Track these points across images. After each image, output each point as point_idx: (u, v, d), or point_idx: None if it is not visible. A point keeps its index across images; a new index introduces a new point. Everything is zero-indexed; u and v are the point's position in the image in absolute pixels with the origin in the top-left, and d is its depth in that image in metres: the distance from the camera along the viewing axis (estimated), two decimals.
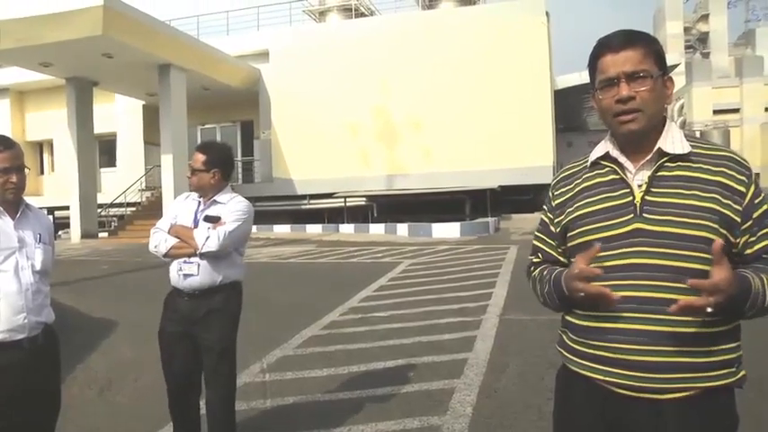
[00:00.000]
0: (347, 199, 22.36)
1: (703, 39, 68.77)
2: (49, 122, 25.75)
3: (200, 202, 3.51)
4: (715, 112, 53.61)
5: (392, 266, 11.60)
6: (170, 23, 20.56)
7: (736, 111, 53.61)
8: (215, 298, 3.40)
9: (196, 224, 3.41)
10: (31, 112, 27.82)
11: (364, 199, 22.55)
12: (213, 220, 3.40)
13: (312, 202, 23.45)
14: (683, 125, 54.50)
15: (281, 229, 21.27)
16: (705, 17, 67.20)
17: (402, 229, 18.64)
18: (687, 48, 68.36)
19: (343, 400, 4.56)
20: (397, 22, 23.03)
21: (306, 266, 12.74)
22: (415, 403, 4.40)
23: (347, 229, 20.45)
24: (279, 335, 6.55)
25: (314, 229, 20.94)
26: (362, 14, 27.44)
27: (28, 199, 2.83)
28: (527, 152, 20.24)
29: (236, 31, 26.34)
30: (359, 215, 22.65)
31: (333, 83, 22.47)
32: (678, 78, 57.01)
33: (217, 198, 3.48)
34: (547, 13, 21.19)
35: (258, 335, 6.59)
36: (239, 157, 26.64)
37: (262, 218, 22.55)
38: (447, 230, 17.52)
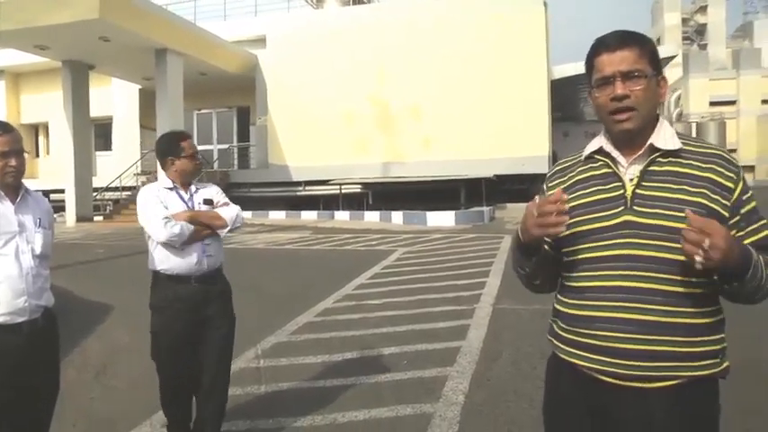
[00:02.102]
0: (343, 186, 22.38)
1: (701, 30, 68.81)
2: (45, 105, 25.74)
3: (176, 188, 3.50)
4: (711, 103, 53.83)
5: (387, 254, 11.65)
6: (167, 8, 20.44)
7: (732, 103, 53.80)
8: (222, 278, 3.57)
9: (192, 210, 3.47)
10: (27, 94, 27.77)
11: (360, 186, 22.58)
12: (210, 202, 3.54)
13: (308, 188, 23.47)
14: (679, 116, 54.60)
15: (277, 216, 21.30)
16: (703, 8, 67.23)
17: (397, 216, 18.68)
18: (685, 39, 68.41)
19: (336, 386, 4.60)
20: (395, 9, 22.95)
21: (301, 253, 12.78)
22: (408, 390, 4.45)
23: (342, 216, 20.50)
24: (273, 321, 6.60)
25: (309, 216, 20.97)
26: (361, 1, 27.34)
27: (24, 182, 2.85)
28: (523, 142, 20.26)
29: (233, 16, 26.23)
30: (354, 202, 22.69)
31: (330, 70, 22.43)
32: (675, 70, 57.05)
33: (194, 184, 3.58)
34: (545, 3, 21.16)
35: (253, 321, 6.62)
36: (235, 143, 26.61)
37: (257, 204, 22.60)
38: (442, 219, 17.57)
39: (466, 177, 20.34)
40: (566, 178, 1.86)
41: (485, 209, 18.86)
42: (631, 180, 1.71)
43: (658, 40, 63.73)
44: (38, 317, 2.71)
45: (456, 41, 21.15)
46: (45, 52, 19.33)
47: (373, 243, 13.63)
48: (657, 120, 1.75)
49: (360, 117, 22.24)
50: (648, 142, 1.70)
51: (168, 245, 3.33)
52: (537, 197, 1.70)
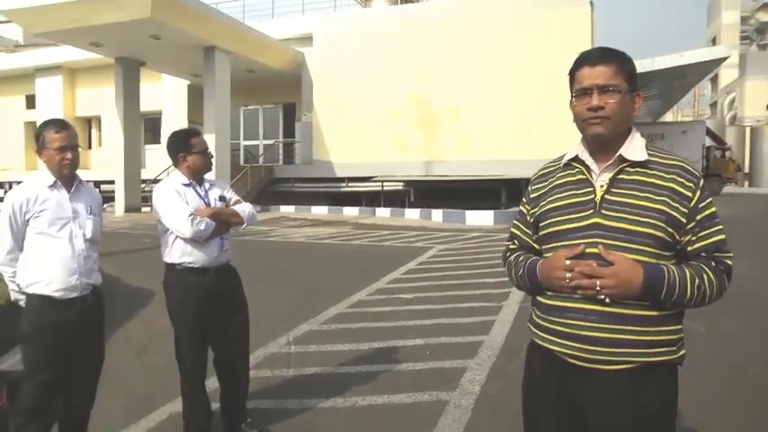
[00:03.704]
0: (384, 183, 22.64)
1: (762, 29, 66.54)
2: (98, 99, 26.69)
3: (192, 184, 3.68)
4: None
5: (423, 251, 11.86)
6: (216, 7, 21.02)
7: None
8: (234, 270, 3.83)
9: (208, 205, 3.68)
10: (82, 88, 28.80)
11: (402, 184, 22.80)
12: (224, 198, 3.79)
13: (350, 184, 23.77)
14: (733, 120, 52.96)
15: (319, 211, 21.67)
16: (766, 6, 64.89)
17: (437, 214, 18.85)
18: (743, 39, 65.87)
19: (360, 372, 4.88)
20: (440, 8, 23.08)
21: (340, 247, 13.05)
22: (428, 379, 4.70)
23: (383, 212, 20.76)
24: (307, 311, 6.90)
25: (351, 212, 21.28)
26: (408, 0, 27.52)
27: (78, 173, 3.22)
28: (564, 141, 19.73)
29: (281, 14, 26.75)
30: (396, 200, 22.91)
31: (375, 68, 22.70)
32: (730, 71, 55.11)
33: (206, 180, 3.81)
34: (591, 3, 21.02)
35: (288, 310, 6.97)
36: (281, 139, 27.12)
37: (301, 199, 23.04)
38: (480, 218, 17.67)
39: (506, 177, 20.39)
40: (546, 183, 2.09)
41: None
42: (602, 186, 1.92)
43: (713, 40, 61.88)
44: (87, 293, 3.08)
45: (499, 41, 21.17)
46: (99, 49, 20.15)
47: (411, 240, 13.85)
48: (630, 131, 1.96)
49: (403, 115, 22.45)
50: (618, 153, 1.91)
51: (193, 240, 3.55)
52: (562, 261, 1.89)
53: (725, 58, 27.75)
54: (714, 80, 60.89)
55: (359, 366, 5.03)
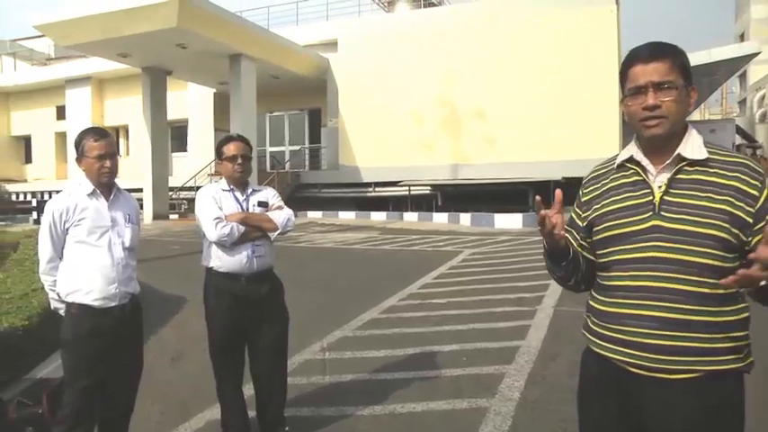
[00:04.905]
0: (412, 187, 22.55)
1: None
2: (126, 109, 27.12)
3: (232, 190, 3.69)
4: None
5: (453, 255, 11.77)
6: (241, 14, 21.13)
7: None
8: (273, 278, 3.77)
9: (245, 211, 3.67)
10: (110, 98, 29.19)
11: (429, 188, 22.69)
12: (265, 204, 3.74)
13: (377, 189, 23.69)
14: (763, 117, 51.88)
15: (347, 216, 21.66)
16: None
17: (465, 218, 18.74)
18: None
19: (397, 379, 4.81)
20: (464, 11, 22.96)
21: (369, 252, 13.02)
22: (466, 386, 4.62)
23: (411, 217, 20.68)
24: (340, 317, 6.85)
25: (378, 217, 21.24)
26: (431, 4, 27.48)
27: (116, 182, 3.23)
28: (593, 143, 19.88)
29: (305, 20, 26.80)
30: (423, 204, 22.81)
31: (400, 72, 22.63)
32: (760, 67, 54.04)
33: (251, 186, 3.78)
34: (617, 2, 20.76)
35: (320, 316, 6.93)
36: (306, 145, 27.19)
37: (328, 204, 23.06)
38: (509, 221, 17.55)
39: (534, 180, 20.18)
40: (599, 185, 2.02)
41: None
42: (660, 187, 1.83)
43: (741, 36, 60.69)
44: (126, 302, 3.07)
45: (523, 42, 20.96)
46: (127, 60, 20.44)
47: (440, 244, 13.75)
48: (686, 129, 1.87)
49: (428, 119, 22.34)
50: (676, 152, 1.83)
51: (219, 244, 3.56)
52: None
53: (755, 54, 27.21)
54: (743, 76, 59.62)
55: (395, 373, 4.97)
